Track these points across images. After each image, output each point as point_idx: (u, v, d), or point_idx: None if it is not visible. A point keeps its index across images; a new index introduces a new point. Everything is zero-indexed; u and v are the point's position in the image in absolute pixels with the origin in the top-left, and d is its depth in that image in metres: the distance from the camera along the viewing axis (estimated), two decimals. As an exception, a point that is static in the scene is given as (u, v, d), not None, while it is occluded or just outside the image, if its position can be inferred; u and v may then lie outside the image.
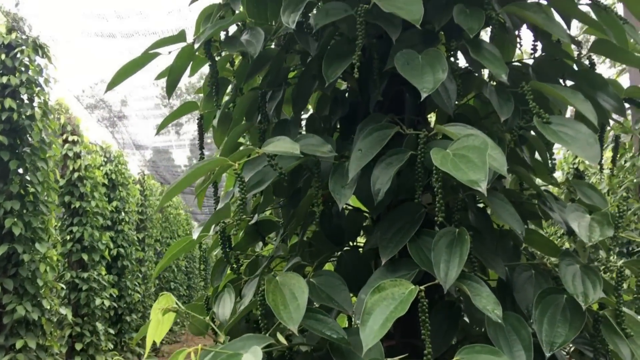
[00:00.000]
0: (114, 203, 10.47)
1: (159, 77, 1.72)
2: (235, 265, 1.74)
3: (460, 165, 1.19)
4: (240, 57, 1.91)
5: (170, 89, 1.65)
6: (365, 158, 1.38)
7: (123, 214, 10.71)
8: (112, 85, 1.60)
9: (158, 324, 1.55)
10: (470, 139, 1.24)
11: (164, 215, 15.37)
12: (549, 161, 1.52)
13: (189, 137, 14.94)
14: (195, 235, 1.49)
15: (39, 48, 6.91)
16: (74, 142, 8.87)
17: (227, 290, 1.75)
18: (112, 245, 9.99)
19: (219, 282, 1.82)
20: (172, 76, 1.63)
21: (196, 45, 1.49)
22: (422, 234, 1.39)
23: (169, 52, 1.63)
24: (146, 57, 1.61)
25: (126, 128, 12.33)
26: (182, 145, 14.69)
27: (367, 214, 1.95)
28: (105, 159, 10.63)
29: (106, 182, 10.23)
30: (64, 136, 8.89)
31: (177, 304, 1.66)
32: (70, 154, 8.74)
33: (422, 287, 1.22)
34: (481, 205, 1.64)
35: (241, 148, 1.42)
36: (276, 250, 1.75)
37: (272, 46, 1.91)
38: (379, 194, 1.35)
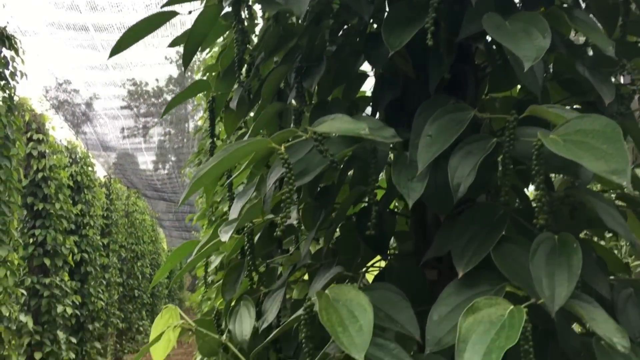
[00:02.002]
0: (79, 206, 9.98)
1: (173, 43, 1.42)
2: (256, 275, 1.45)
3: (581, 153, 0.93)
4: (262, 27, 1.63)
5: (188, 57, 1.35)
6: (438, 145, 1.11)
7: (88, 217, 10.23)
8: (116, 50, 1.30)
9: (168, 343, 1.26)
10: (585, 121, 0.98)
11: (129, 220, 14.84)
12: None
13: (156, 141, 14.52)
14: (225, 237, 1.20)
15: (5, 39, 6.48)
16: (38, 141, 8.40)
17: (245, 304, 1.46)
18: (75, 250, 9.51)
19: (231, 294, 1.52)
20: (190, 42, 1.33)
21: (225, 4, 1.21)
22: (503, 240, 1.13)
23: (189, 12, 1.34)
24: (162, 17, 1.31)
25: (94, 128, 11.81)
26: (150, 148, 14.22)
27: (401, 215, 1.69)
28: (71, 160, 10.13)
29: (71, 184, 9.73)
30: (29, 134, 8.40)
31: (184, 318, 1.37)
32: (35, 153, 8.27)
33: (524, 308, 0.95)
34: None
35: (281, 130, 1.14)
36: (304, 258, 1.47)
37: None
38: (459, 190, 1.08)
